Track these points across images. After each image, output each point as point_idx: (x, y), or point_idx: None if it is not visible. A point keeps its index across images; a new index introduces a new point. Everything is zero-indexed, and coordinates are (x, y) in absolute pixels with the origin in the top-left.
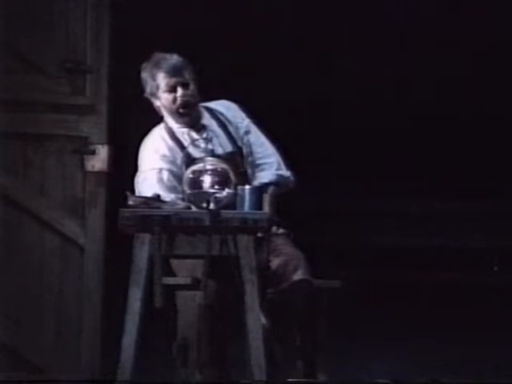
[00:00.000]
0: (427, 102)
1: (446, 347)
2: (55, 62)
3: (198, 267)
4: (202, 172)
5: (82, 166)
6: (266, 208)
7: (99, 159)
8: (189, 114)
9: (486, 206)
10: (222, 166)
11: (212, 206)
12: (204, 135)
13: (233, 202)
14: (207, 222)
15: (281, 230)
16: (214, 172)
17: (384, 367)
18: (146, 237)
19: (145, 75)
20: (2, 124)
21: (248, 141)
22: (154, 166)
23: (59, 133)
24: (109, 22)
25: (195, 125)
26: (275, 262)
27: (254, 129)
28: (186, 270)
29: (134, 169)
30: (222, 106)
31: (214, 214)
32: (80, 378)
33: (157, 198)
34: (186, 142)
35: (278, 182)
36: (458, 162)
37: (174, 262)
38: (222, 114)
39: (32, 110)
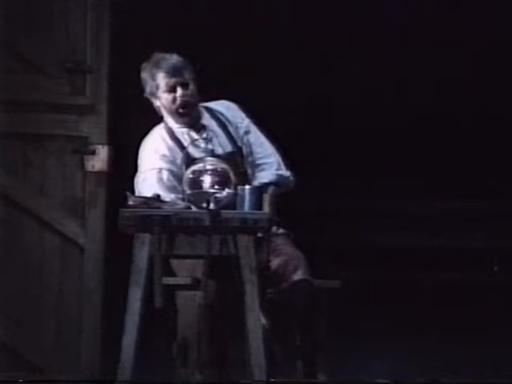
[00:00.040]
0: (427, 101)
1: (445, 347)
2: (55, 62)
3: (198, 267)
4: (202, 172)
5: (82, 165)
6: (266, 208)
7: (99, 159)
8: (188, 114)
9: (486, 205)
10: (221, 166)
11: (212, 205)
12: (204, 135)
13: (233, 202)
14: (207, 222)
15: (281, 230)
16: (214, 172)
17: (384, 367)
18: (146, 237)
19: (145, 75)
20: (2, 124)
21: (248, 141)
22: (154, 166)
23: (59, 133)
24: (109, 21)
25: (195, 125)
26: (275, 262)
27: (254, 129)
28: (186, 270)
29: (134, 169)
30: (221, 106)
31: (214, 214)
32: (80, 378)
33: (157, 197)
34: (185, 141)
35: (278, 182)
36: (457, 162)
37: (174, 262)
38: (221, 113)
39: (32, 110)
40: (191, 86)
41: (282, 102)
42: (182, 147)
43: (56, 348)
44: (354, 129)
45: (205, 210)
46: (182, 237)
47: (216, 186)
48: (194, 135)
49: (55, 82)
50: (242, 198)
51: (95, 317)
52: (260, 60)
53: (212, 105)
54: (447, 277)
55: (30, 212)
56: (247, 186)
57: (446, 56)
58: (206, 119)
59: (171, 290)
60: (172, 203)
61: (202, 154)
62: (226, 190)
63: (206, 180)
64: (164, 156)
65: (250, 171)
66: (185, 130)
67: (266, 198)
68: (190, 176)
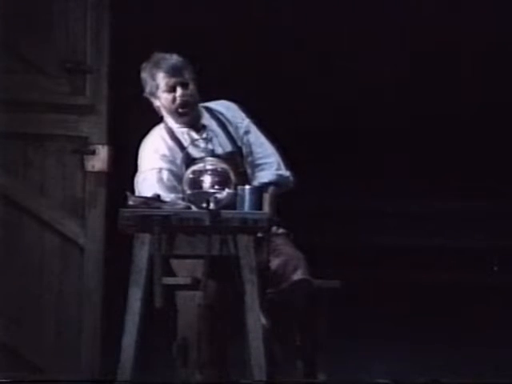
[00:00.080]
0: (427, 102)
1: (445, 347)
2: (55, 62)
3: (198, 267)
4: (202, 172)
5: (82, 165)
6: (266, 208)
7: (99, 159)
8: (188, 114)
9: (486, 205)
10: (222, 165)
11: (212, 205)
12: (204, 135)
13: (233, 202)
14: (207, 222)
15: (281, 230)
16: (214, 172)
17: (384, 367)
18: (146, 237)
19: (144, 75)
20: (2, 124)
21: (248, 141)
22: (154, 166)
23: (59, 133)
24: (109, 21)
25: (195, 125)
26: (275, 262)
27: (254, 129)
28: (186, 270)
29: (134, 169)
30: (221, 106)
31: (214, 214)
32: (80, 378)
33: (157, 198)
34: (185, 141)
35: (278, 182)
36: (457, 161)
37: (174, 262)
38: (221, 113)
39: (32, 110)
40: (191, 86)
41: (282, 102)
42: (181, 147)
43: (56, 348)
44: (353, 129)
45: (205, 210)
46: (182, 237)
47: (216, 186)
48: (194, 135)
49: (55, 82)
50: (242, 197)
51: (95, 317)
52: (260, 60)
53: (212, 105)
54: (447, 277)
55: (30, 212)
56: (247, 186)
57: (445, 56)
58: (206, 119)
59: (171, 290)
60: (172, 203)
61: (202, 154)
62: (226, 190)
63: (206, 180)
64: (164, 156)
65: (249, 171)
66: (185, 129)
67: (266, 197)
68: (190, 176)
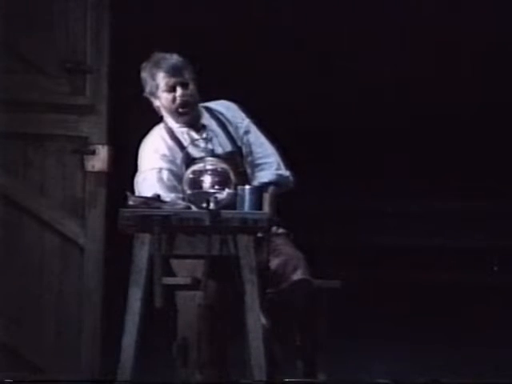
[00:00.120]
0: (427, 101)
1: (445, 347)
2: (55, 61)
3: (198, 267)
4: (202, 172)
5: (82, 165)
6: (266, 208)
7: (99, 159)
8: (188, 113)
9: (486, 205)
10: (222, 165)
11: (212, 205)
12: (204, 135)
13: (233, 202)
14: (207, 222)
15: (281, 230)
16: (214, 172)
17: (384, 367)
18: (146, 237)
19: (144, 75)
20: (2, 124)
21: (248, 141)
22: (154, 166)
23: (59, 133)
24: (109, 21)
25: (195, 124)
26: (275, 262)
27: (254, 129)
28: (186, 270)
29: (134, 169)
30: (221, 105)
31: (214, 214)
32: (80, 378)
33: (157, 198)
34: (185, 141)
35: (278, 182)
36: (458, 161)
37: (174, 262)
38: (221, 113)
39: (32, 110)
40: (191, 86)
41: (282, 101)
42: (181, 147)
43: (56, 348)
44: (353, 129)
45: (205, 210)
46: (182, 237)
47: (216, 186)
48: (194, 135)
49: (55, 82)
50: (242, 197)
51: (95, 317)
52: (260, 60)
53: (212, 105)
54: (447, 277)
55: (30, 212)
56: (247, 186)
57: (446, 56)
58: (206, 119)
59: (171, 290)
60: (172, 203)
61: (202, 154)
62: (226, 190)
63: (206, 180)
64: (164, 156)
65: (249, 171)
66: (185, 129)
67: (266, 197)
68: (190, 176)
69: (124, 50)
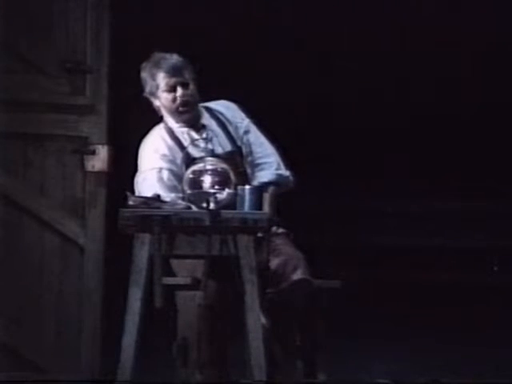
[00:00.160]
0: (427, 101)
1: (445, 347)
2: (55, 61)
3: (198, 267)
4: (202, 172)
5: (82, 165)
6: (266, 208)
7: (99, 159)
8: (188, 112)
9: (485, 205)
10: (222, 165)
11: (212, 205)
12: (204, 135)
13: (233, 202)
14: (207, 222)
15: (281, 230)
16: (214, 172)
17: (384, 367)
18: (146, 237)
19: (144, 75)
20: (2, 124)
21: (247, 140)
22: (154, 166)
23: (59, 133)
24: (109, 21)
25: (195, 124)
26: (275, 262)
27: (254, 129)
28: (186, 270)
29: (134, 169)
30: (221, 105)
31: (214, 214)
32: (80, 378)
33: (157, 198)
34: (185, 141)
35: (278, 182)
36: (458, 161)
37: (174, 262)
38: (221, 113)
39: (32, 110)
40: (191, 86)
41: (282, 102)
42: (181, 147)
43: (56, 348)
44: (354, 129)
45: (205, 210)
46: (182, 237)
47: (216, 186)
48: (194, 135)
49: (55, 82)
50: (242, 197)
51: (95, 317)
52: (260, 60)
53: (212, 105)
54: (447, 277)
55: (30, 212)
56: (247, 186)
57: (446, 56)
58: (206, 119)
59: (171, 290)
60: (172, 203)
61: (202, 154)
62: (226, 190)
63: (206, 180)
64: (164, 156)
65: (249, 171)
66: (185, 129)
67: (266, 197)
68: (190, 176)
69: (124, 50)
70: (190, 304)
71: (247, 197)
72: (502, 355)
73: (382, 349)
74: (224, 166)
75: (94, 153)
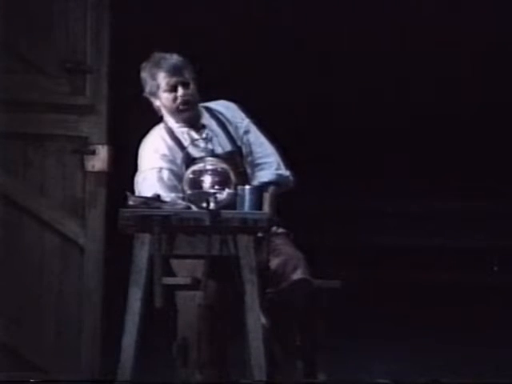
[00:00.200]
0: (427, 102)
1: (446, 347)
2: (55, 61)
3: (198, 267)
4: (202, 172)
5: (82, 165)
6: (266, 208)
7: (99, 159)
8: (189, 110)
9: (486, 205)
10: (222, 165)
11: (212, 205)
12: (204, 135)
13: (233, 202)
14: (207, 222)
15: (281, 230)
16: (215, 172)
17: (384, 367)
18: (146, 237)
19: (144, 75)
20: (2, 124)
21: (247, 140)
22: (154, 166)
23: (59, 133)
24: (109, 21)
25: (195, 124)
26: (275, 262)
27: (254, 129)
28: (186, 270)
29: (134, 169)
30: (221, 105)
31: (214, 214)
32: (80, 378)
33: (157, 197)
34: (185, 141)
35: (278, 182)
36: (458, 161)
37: (174, 262)
38: (221, 113)
39: (32, 110)
40: (192, 86)
41: (282, 102)
42: (181, 147)
43: (56, 348)
44: (354, 129)
45: (205, 210)
46: (182, 237)
47: (216, 186)
48: (194, 135)
49: (55, 82)
50: (242, 197)
51: (95, 317)
52: (260, 60)
53: (212, 105)
54: (447, 277)
55: (30, 212)
56: (247, 186)
57: (446, 56)
58: (206, 119)
59: (171, 290)
60: (172, 203)
61: (202, 154)
62: (226, 190)
63: (206, 180)
64: (164, 155)
65: (249, 171)
66: (185, 129)
67: (266, 197)
68: (190, 176)
69: (124, 50)
70: (190, 304)
71: (247, 197)
72: (502, 355)
73: (381, 349)
74: (224, 166)
75: (93, 153)
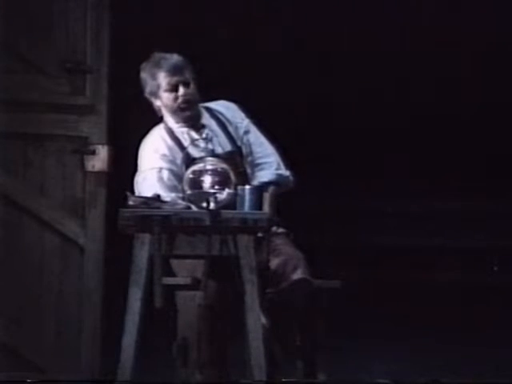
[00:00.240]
0: (427, 102)
1: (446, 347)
2: (55, 61)
3: (198, 267)
4: (202, 172)
5: (82, 165)
6: (266, 208)
7: (99, 159)
8: (189, 109)
9: (485, 205)
10: (222, 165)
11: (212, 205)
12: (204, 135)
13: (233, 202)
14: (207, 222)
15: (281, 230)
16: (215, 172)
17: (384, 367)
18: (146, 237)
19: (144, 75)
20: (2, 124)
21: (247, 140)
22: (154, 166)
23: (59, 133)
24: (109, 21)
25: (195, 124)
26: (275, 262)
27: (254, 129)
28: (186, 270)
29: (134, 169)
30: (221, 105)
31: (214, 214)
32: (80, 378)
33: (157, 198)
34: (185, 141)
35: (278, 182)
36: (457, 162)
37: (174, 262)
38: (221, 113)
39: (32, 110)
40: (192, 86)
41: (282, 102)
42: (181, 147)
43: (56, 348)
44: (354, 129)
45: (205, 210)
46: (182, 237)
47: (216, 186)
48: (194, 135)
49: (55, 82)
50: (242, 197)
51: (95, 317)
52: (260, 60)
53: (212, 105)
54: (447, 277)
55: (30, 212)
56: (247, 186)
57: (446, 56)
58: (206, 119)
59: (171, 290)
60: (172, 203)
61: (202, 154)
62: (226, 190)
63: (206, 180)
64: (164, 155)
65: (249, 171)
66: (185, 129)
67: (266, 197)
68: (190, 176)
69: (124, 50)
70: (190, 304)
71: (247, 197)
72: (502, 355)
73: (381, 349)
74: (224, 165)
75: (94, 153)
